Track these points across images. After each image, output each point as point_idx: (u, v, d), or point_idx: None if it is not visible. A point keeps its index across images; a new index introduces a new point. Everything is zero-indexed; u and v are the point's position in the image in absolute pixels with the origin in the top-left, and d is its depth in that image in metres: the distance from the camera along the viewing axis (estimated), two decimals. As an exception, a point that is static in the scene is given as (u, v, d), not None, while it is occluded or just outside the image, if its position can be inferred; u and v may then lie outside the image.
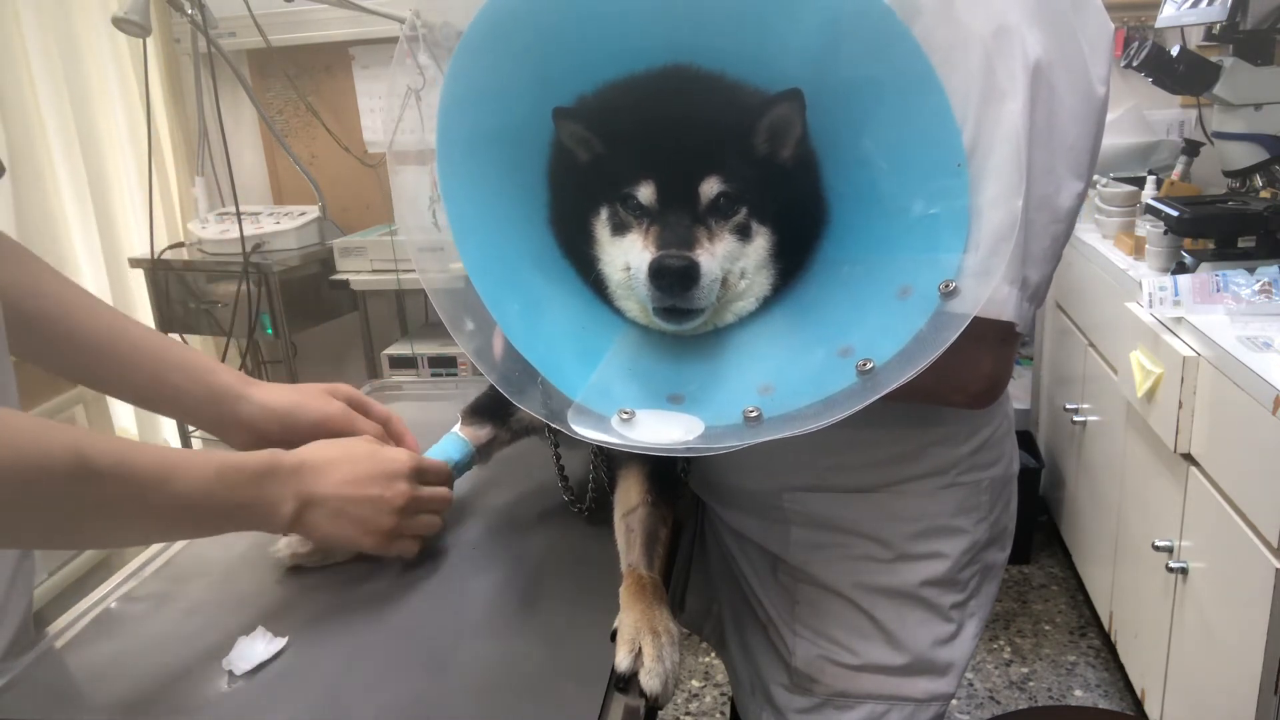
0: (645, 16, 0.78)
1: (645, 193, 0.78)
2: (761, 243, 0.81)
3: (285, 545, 0.96)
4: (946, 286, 0.73)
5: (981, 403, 0.90)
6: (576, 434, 0.71)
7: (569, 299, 0.82)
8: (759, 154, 0.80)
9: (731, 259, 0.79)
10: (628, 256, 0.79)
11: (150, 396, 0.96)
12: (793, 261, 0.83)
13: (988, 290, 0.73)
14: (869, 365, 0.72)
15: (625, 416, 0.72)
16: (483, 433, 1.07)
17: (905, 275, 0.76)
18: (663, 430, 0.72)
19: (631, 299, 0.81)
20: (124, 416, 2.83)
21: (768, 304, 0.83)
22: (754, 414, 0.72)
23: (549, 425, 1.03)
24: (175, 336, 2.88)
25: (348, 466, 0.89)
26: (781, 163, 0.81)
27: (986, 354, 0.85)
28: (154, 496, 0.76)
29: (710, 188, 0.78)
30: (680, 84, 0.80)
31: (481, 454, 1.08)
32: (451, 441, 1.05)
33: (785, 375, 0.77)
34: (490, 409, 1.08)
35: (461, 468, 1.05)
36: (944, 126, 0.76)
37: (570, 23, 0.77)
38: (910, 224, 0.78)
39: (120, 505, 0.75)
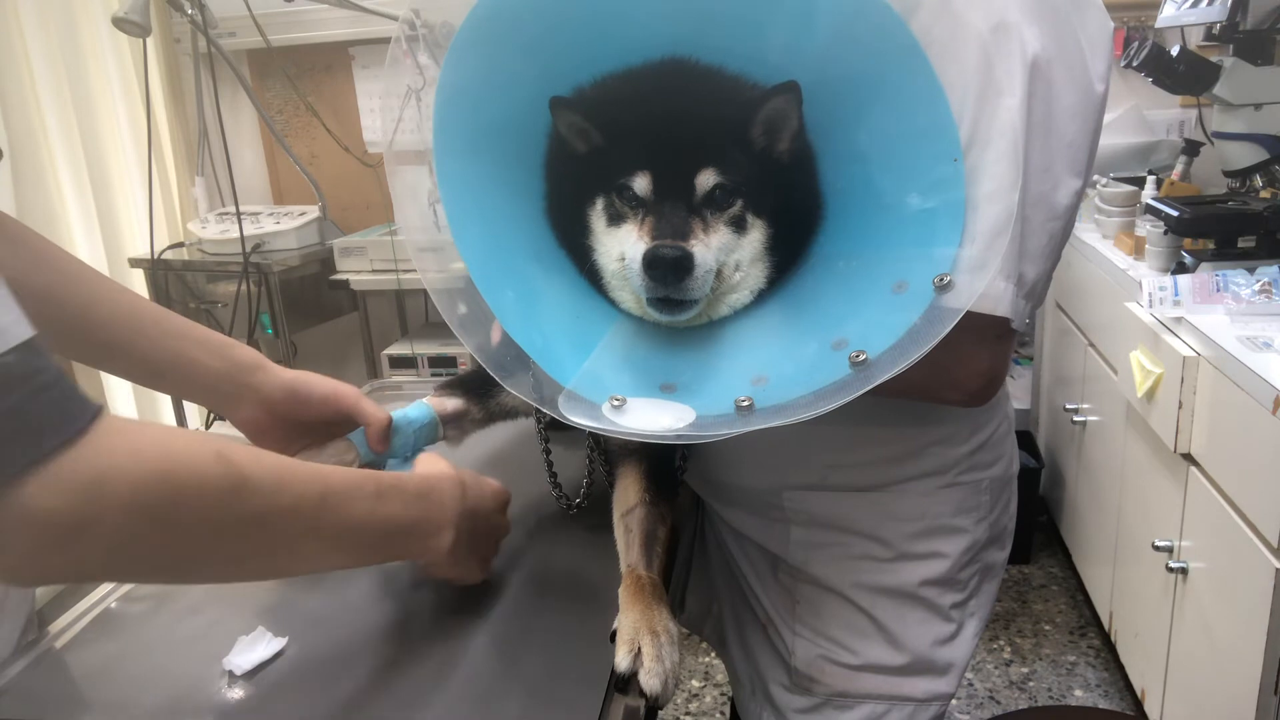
0: (643, 10, 0.78)
1: (641, 184, 0.78)
2: (757, 235, 0.81)
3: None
4: (941, 280, 0.73)
5: (978, 400, 0.90)
6: (568, 420, 0.71)
7: (564, 289, 0.82)
8: (756, 147, 0.80)
9: (726, 251, 0.79)
10: (623, 247, 0.79)
11: (164, 371, 0.92)
12: (788, 254, 0.83)
13: (982, 285, 0.73)
14: (862, 357, 0.72)
15: (616, 404, 0.72)
16: (450, 404, 1.05)
17: (900, 269, 0.76)
18: (654, 418, 0.72)
19: (626, 289, 0.81)
20: (124, 415, 2.83)
21: (762, 296, 0.83)
22: (746, 403, 0.72)
23: (539, 425, 1.04)
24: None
25: (483, 493, 0.89)
26: (778, 156, 0.81)
27: (982, 350, 0.85)
28: (316, 515, 0.69)
29: (706, 180, 0.78)
30: (678, 77, 0.80)
31: (450, 425, 1.05)
32: (415, 407, 1.03)
33: (778, 366, 0.77)
34: (467, 384, 1.08)
35: (422, 435, 1.02)
36: (941, 122, 0.76)
37: (569, 16, 0.77)
38: (906, 218, 0.78)
39: (280, 524, 0.67)
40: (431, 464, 0.89)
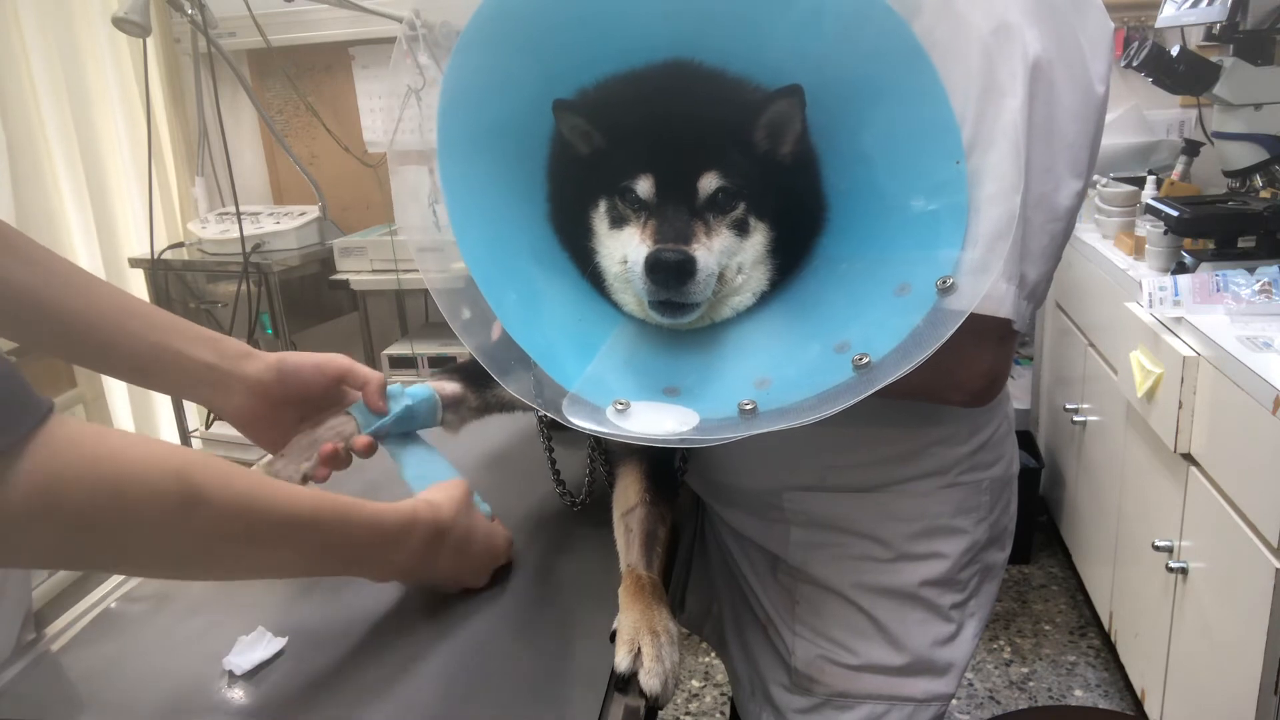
0: (646, 12, 0.78)
1: (644, 186, 0.78)
2: (759, 238, 0.81)
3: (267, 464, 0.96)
4: (944, 283, 0.73)
5: (980, 401, 0.90)
6: (571, 424, 0.71)
7: (567, 291, 0.82)
8: (758, 150, 0.81)
9: (729, 254, 0.79)
10: (625, 250, 0.79)
11: (151, 366, 0.91)
12: (791, 257, 0.83)
13: (985, 287, 0.73)
14: (865, 360, 0.72)
15: (620, 407, 0.72)
16: (449, 387, 1.05)
17: (903, 272, 0.76)
18: (657, 421, 0.72)
19: (628, 292, 0.82)
20: (124, 417, 2.83)
21: (765, 299, 0.83)
22: (749, 407, 0.72)
23: (542, 421, 1.04)
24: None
25: (467, 545, 0.88)
26: (781, 159, 0.81)
27: (984, 351, 0.85)
28: (272, 544, 0.70)
29: (709, 183, 0.78)
30: (681, 79, 0.80)
31: (449, 410, 1.05)
32: (416, 389, 1.02)
33: (781, 369, 0.77)
34: (467, 372, 1.07)
35: (420, 409, 1.01)
36: (943, 123, 0.76)
37: (572, 18, 0.77)
38: (908, 220, 0.78)
39: (229, 548, 0.68)
40: (444, 493, 0.88)
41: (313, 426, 0.95)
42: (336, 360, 0.97)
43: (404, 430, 1.00)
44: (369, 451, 0.95)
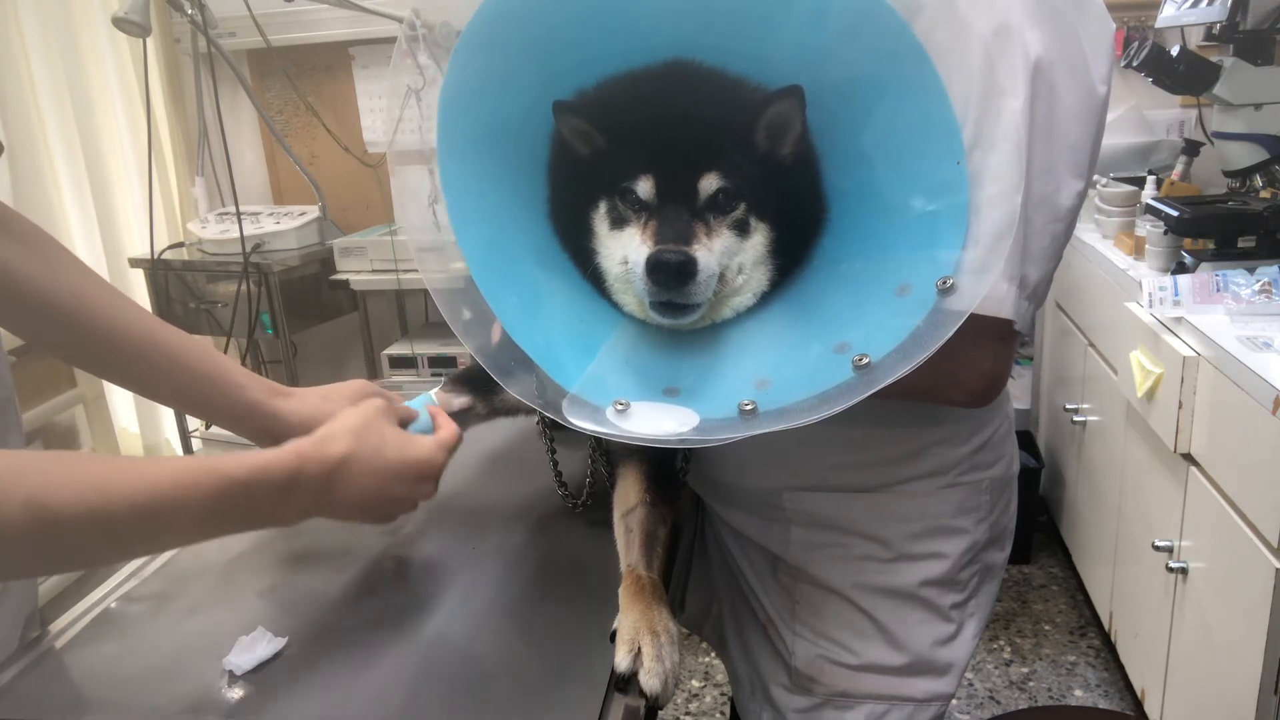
0: (647, 13, 0.78)
1: (644, 187, 0.78)
2: (760, 239, 0.81)
3: None
4: (944, 283, 0.73)
5: (981, 401, 0.90)
6: (571, 424, 0.71)
7: (567, 292, 0.82)
8: (759, 150, 0.80)
9: (729, 254, 0.79)
10: (625, 250, 0.79)
11: (179, 401, 0.93)
12: (791, 258, 0.83)
13: (985, 287, 0.73)
14: (865, 360, 0.72)
15: (620, 408, 0.72)
16: (457, 401, 1.05)
17: (904, 272, 0.76)
18: (657, 422, 0.72)
19: (629, 293, 0.81)
20: (125, 416, 2.83)
21: (766, 300, 0.83)
22: (749, 407, 0.72)
23: (543, 422, 1.04)
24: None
25: (378, 471, 0.82)
26: (781, 159, 0.81)
27: (985, 352, 0.85)
28: (136, 536, 0.69)
29: (709, 183, 0.78)
30: (681, 80, 0.80)
31: (456, 421, 1.04)
32: (421, 401, 1.02)
33: (781, 370, 0.77)
34: (473, 381, 1.07)
35: (425, 427, 1.01)
36: (944, 124, 0.76)
37: (572, 18, 0.77)
38: (909, 221, 0.78)
39: (95, 546, 0.67)
40: (339, 424, 0.82)
41: None
42: (367, 387, 0.98)
43: None
44: None
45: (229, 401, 0.92)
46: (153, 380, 0.91)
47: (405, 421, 0.93)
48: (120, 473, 0.67)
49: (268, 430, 0.93)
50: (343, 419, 0.82)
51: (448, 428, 0.94)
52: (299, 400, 0.95)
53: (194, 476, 0.70)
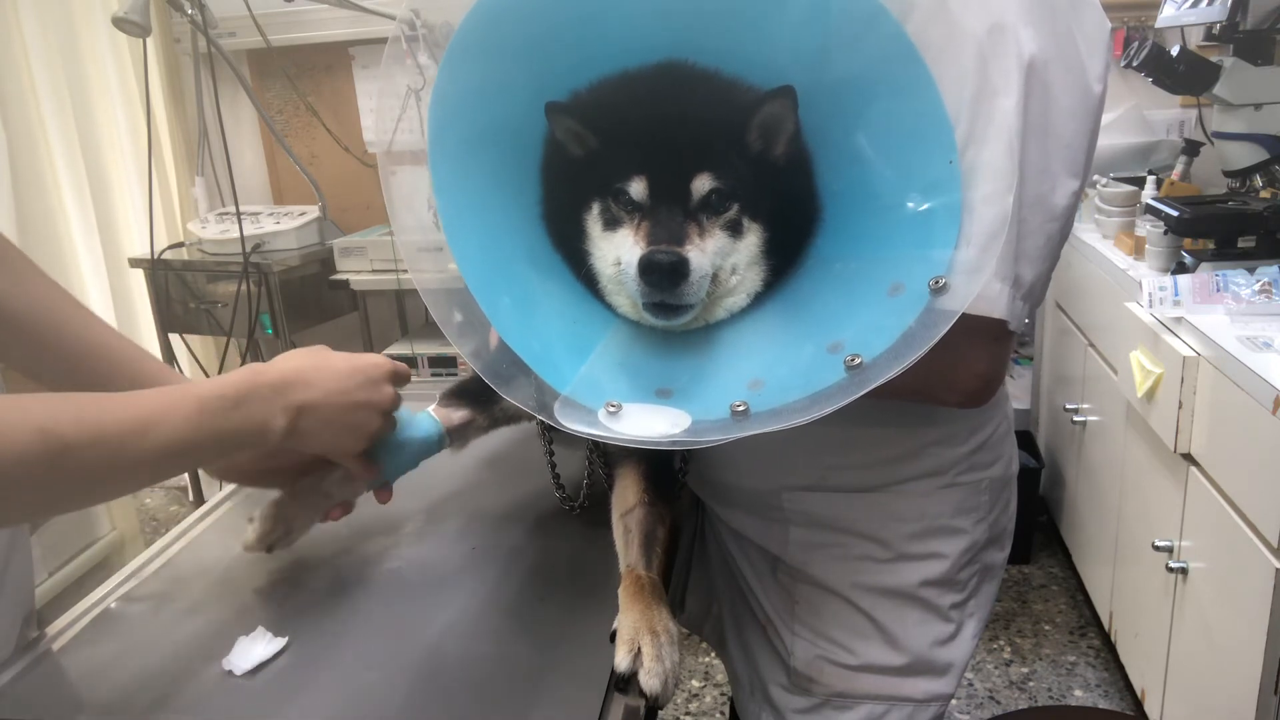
0: (639, 14, 0.78)
1: (637, 188, 0.78)
2: (753, 239, 0.81)
3: (251, 533, 0.97)
4: (937, 283, 0.73)
5: (975, 401, 0.90)
6: (563, 426, 0.71)
7: (561, 294, 0.82)
8: (752, 151, 0.80)
9: (722, 255, 0.79)
10: (619, 251, 0.79)
11: None
12: (784, 258, 0.83)
13: (978, 287, 0.73)
14: (857, 361, 0.72)
15: (612, 410, 0.72)
16: (457, 415, 1.05)
17: (897, 272, 0.76)
18: (649, 423, 0.72)
19: (622, 294, 0.81)
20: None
21: (759, 300, 0.83)
22: (741, 408, 0.72)
23: (541, 423, 1.04)
24: (175, 337, 2.90)
25: (330, 374, 0.86)
26: (774, 159, 0.81)
27: (979, 352, 0.85)
28: (135, 453, 0.72)
29: (702, 184, 0.78)
30: (674, 80, 0.80)
31: (455, 437, 1.05)
32: (420, 418, 1.03)
33: (774, 370, 0.77)
34: (470, 393, 1.07)
35: (430, 447, 1.02)
36: (937, 123, 0.76)
37: (565, 20, 0.77)
38: (902, 221, 0.78)
39: (101, 471, 0.71)
40: (292, 359, 0.87)
41: (320, 474, 0.96)
42: None
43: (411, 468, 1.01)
44: (387, 499, 0.98)
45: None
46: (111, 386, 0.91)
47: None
48: (113, 399, 0.72)
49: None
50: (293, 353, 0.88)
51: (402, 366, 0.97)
52: None
53: (172, 398, 0.75)
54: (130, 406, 0.72)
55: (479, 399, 1.07)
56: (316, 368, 0.85)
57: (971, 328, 0.73)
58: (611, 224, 0.80)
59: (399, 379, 0.93)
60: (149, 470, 0.76)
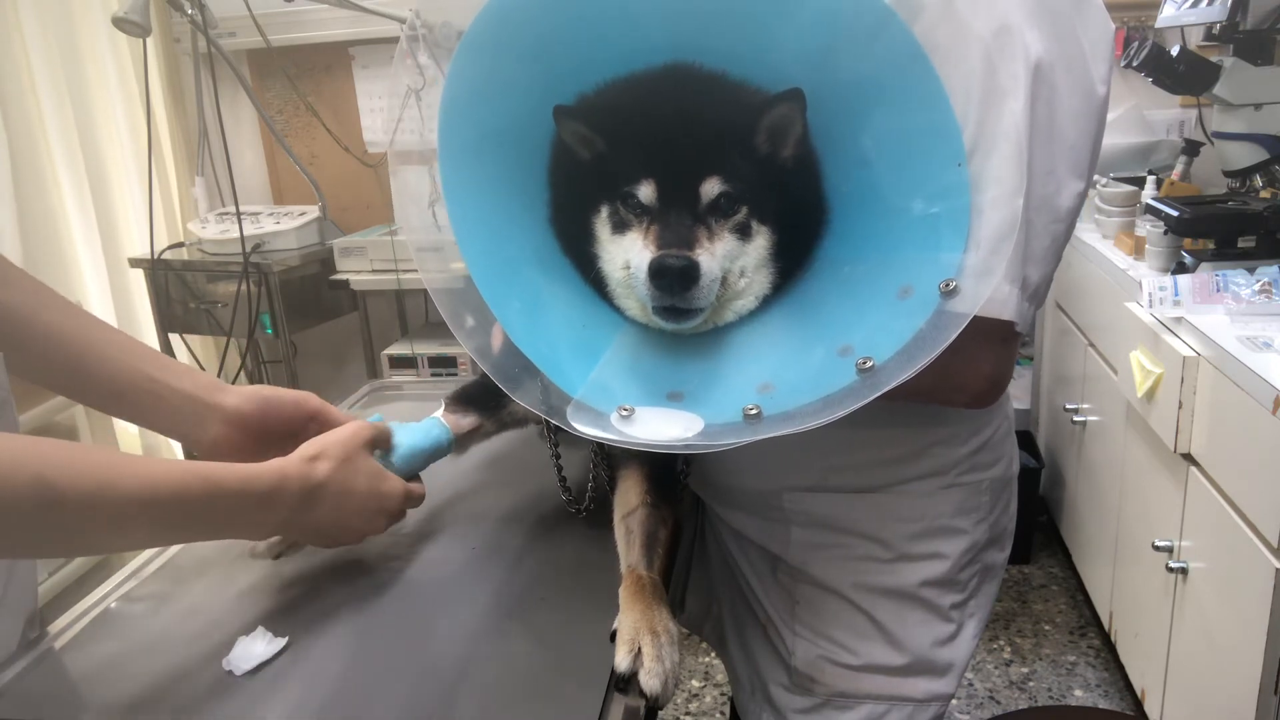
0: (647, 16, 0.78)
1: (646, 191, 0.78)
2: (762, 242, 0.81)
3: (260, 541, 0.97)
4: (947, 285, 0.73)
5: (983, 402, 0.90)
6: (576, 431, 0.71)
7: (570, 297, 0.82)
8: (760, 153, 0.80)
9: (731, 258, 0.79)
10: (628, 255, 0.79)
11: (127, 392, 0.91)
12: (793, 260, 0.83)
13: (988, 289, 0.73)
14: (869, 364, 0.72)
15: (625, 413, 0.72)
16: (465, 421, 1.06)
17: (906, 274, 0.76)
18: (662, 427, 0.72)
19: (631, 297, 0.81)
20: (122, 420, 2.83)
21: (768, 303, 0.83)
22: (753, 412, 0.72)
23: (547, 426, 1.04)
24: (175, 337, 2.90)
25: (341, 504, 0.87)
26: (782, 162, 0.81)
27: (987, 353, 0.85)
28: (136, 522, 0.72)
29: (711, 187, 0.78)
30: (681, 83, 0.80)
31: (461, 443, 1.06)
32: (430, 425, 1.03)
33: (785, 374, 0.77)
34: (478, 398, 1.07)
35: (438, 454, 1.03)
36: (945, 126, 0.76)
37: (572, 22, 0.77)
38: (911, 223, 0.78)
39: (91, 529, 0.70)
40: (323, 445, 0.87)
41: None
42: (311, 400, 0.98)
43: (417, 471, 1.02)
44: (419, 499, 0.99)
45: (186, 381, 0.94)
46: (100, 376, 0.91)
47: (383, 443, 0.96)
48: (122, 464, 0.71)
49: (220, 405, 0.94)
50: (328, 443, 0.88)
51: (418, 488, 0.99)
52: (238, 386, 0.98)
53: (186, 479, 0.74)
54: (139, 474, 0.71)
55: (486, 404, 1.07)
56: (339, 489, 0.86)
57: (980, 329, 0.73)
58: (620, 227, 0.80)
59: (412, 503, 0.96)
60: (144, 540, 0.77)
